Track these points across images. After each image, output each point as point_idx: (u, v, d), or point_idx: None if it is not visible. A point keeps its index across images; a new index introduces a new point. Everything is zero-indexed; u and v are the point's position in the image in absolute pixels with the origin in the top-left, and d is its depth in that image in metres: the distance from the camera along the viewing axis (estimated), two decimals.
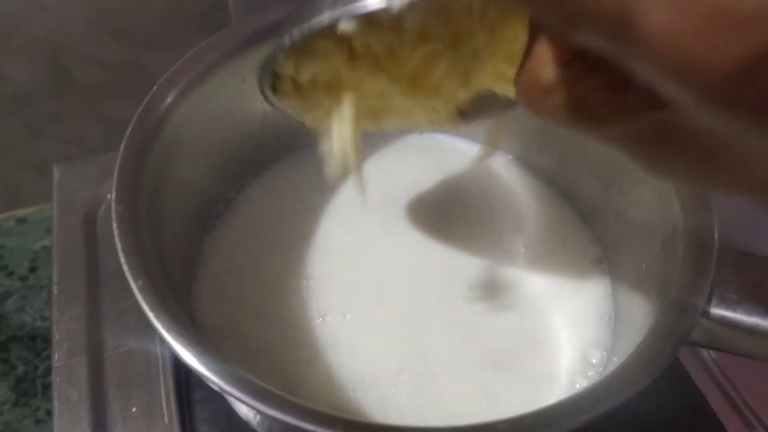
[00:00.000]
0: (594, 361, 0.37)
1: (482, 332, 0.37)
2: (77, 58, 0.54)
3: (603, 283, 0.40)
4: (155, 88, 0.35)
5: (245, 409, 0.37)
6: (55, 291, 0.44)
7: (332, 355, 0.36)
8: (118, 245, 0.29)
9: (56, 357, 0.41)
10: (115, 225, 0.30)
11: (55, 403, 0.40)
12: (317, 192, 0.43)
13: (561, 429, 0.26)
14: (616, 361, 0.33)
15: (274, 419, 0.26)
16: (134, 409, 0.40)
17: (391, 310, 0.38)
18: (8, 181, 0.59)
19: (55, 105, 0.56)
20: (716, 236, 0.32)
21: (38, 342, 0.53)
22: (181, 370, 0.41)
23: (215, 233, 0.41)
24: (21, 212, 0.60)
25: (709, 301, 0.30)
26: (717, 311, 0.30)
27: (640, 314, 0.35)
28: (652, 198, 0.36)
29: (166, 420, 0.39)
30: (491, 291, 0.39)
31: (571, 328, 0.38)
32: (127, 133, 0.33)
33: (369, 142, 0.45)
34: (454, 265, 0.40)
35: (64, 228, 0.46)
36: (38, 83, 0.55)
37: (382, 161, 0.45)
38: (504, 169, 0.45)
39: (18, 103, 0.55)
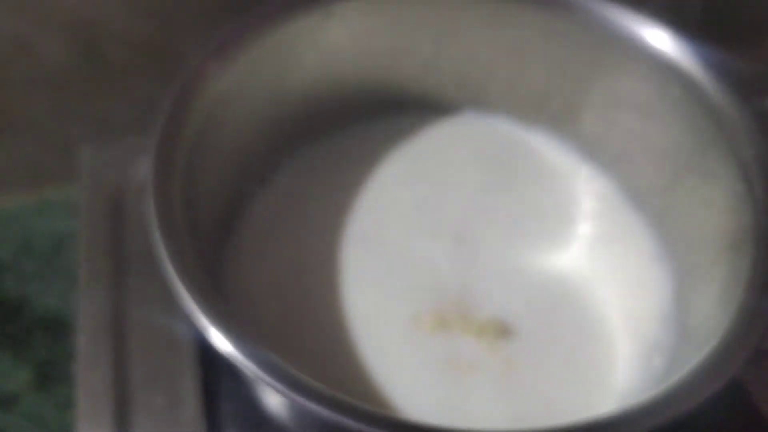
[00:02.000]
0: (655, 363, 0.34)
1: (533, 329, 0.36)
2: (110, 37, 0.53)
3: (664, 283, 0.37)
4: (193, 61, 0.33)
5: (275, 402, 0.36)
6: (80, 275, 0.42)
7: (361, 346, 0.35)
8: (154, 221, 0.28)
9: (79, 343, 0.40)
10: (152, 201, 0.28)
11: (79, 391, 0.38)
12: (360, 173, 0.41)
13: None
14: (680, 367, 0.31)
15: (307, 411, 0.25)
16: (158, 400, 0.38)
17: (432, 301, 0.36)
18: (34, 161, 0.58)
19: (84, 85, 0.55)
20: None
21: (61, 327, 0.52)
22: (207, 361, 0.39)
23: (248, 211, 0.39)
24: (46, 193, 0.59)
25: None
26: None
27: (706, 318, 0.32)
28: (722, 196, 0.33)
29: (192, 412, 0.38)
30: (544, 288, 0.37)
31: (630, 329, 0.36)
32: (165, 108, 0.31)
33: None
34: (500, 255, 0.38)
35: (91, 210, 0.45)
36: (70, 62, 0.54)
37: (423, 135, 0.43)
38: (561, 156, 0.43)
39: (49, 82, 0.54)
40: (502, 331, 0.35)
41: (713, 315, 0.31)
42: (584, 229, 0.40)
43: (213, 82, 0.33)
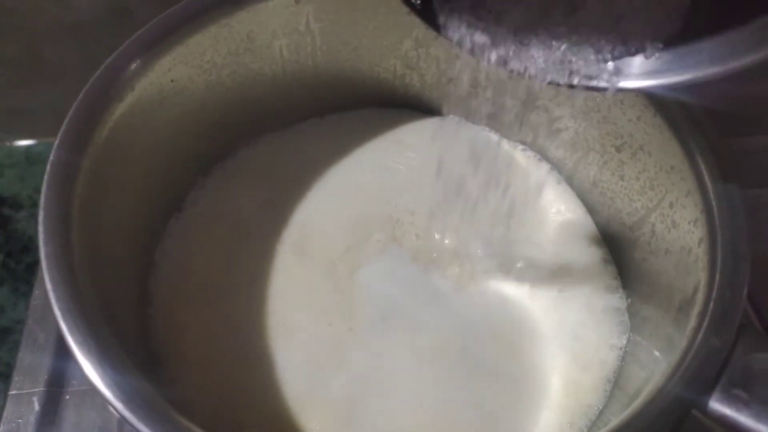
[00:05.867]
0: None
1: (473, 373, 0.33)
2: None
3: (617, 336, 0.34)
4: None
5: None
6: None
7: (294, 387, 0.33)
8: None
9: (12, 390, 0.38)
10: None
11: None
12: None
13: None
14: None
15: None
16: None
17: (373, 336, 0.34)
18: (60, 107, 0.59)
19: (111, 39, 0.56)
20: (740, 310, 0.25)
21: None
22: None
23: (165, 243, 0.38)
24: None
25: (709, 393, 0.24)
26: (717, 407, 0.24)
27: (638, 380, 0.29)
28: (681, 247, 0.29)
29: None
30: (495, 325, 0.34)
31: (568, 382, 0.33)
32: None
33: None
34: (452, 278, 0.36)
35: None
36: (99, 14, 0.54)
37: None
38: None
39: (77, 32, 0.55)
40: None
41: (643, 381, 0.28)
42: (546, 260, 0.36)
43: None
